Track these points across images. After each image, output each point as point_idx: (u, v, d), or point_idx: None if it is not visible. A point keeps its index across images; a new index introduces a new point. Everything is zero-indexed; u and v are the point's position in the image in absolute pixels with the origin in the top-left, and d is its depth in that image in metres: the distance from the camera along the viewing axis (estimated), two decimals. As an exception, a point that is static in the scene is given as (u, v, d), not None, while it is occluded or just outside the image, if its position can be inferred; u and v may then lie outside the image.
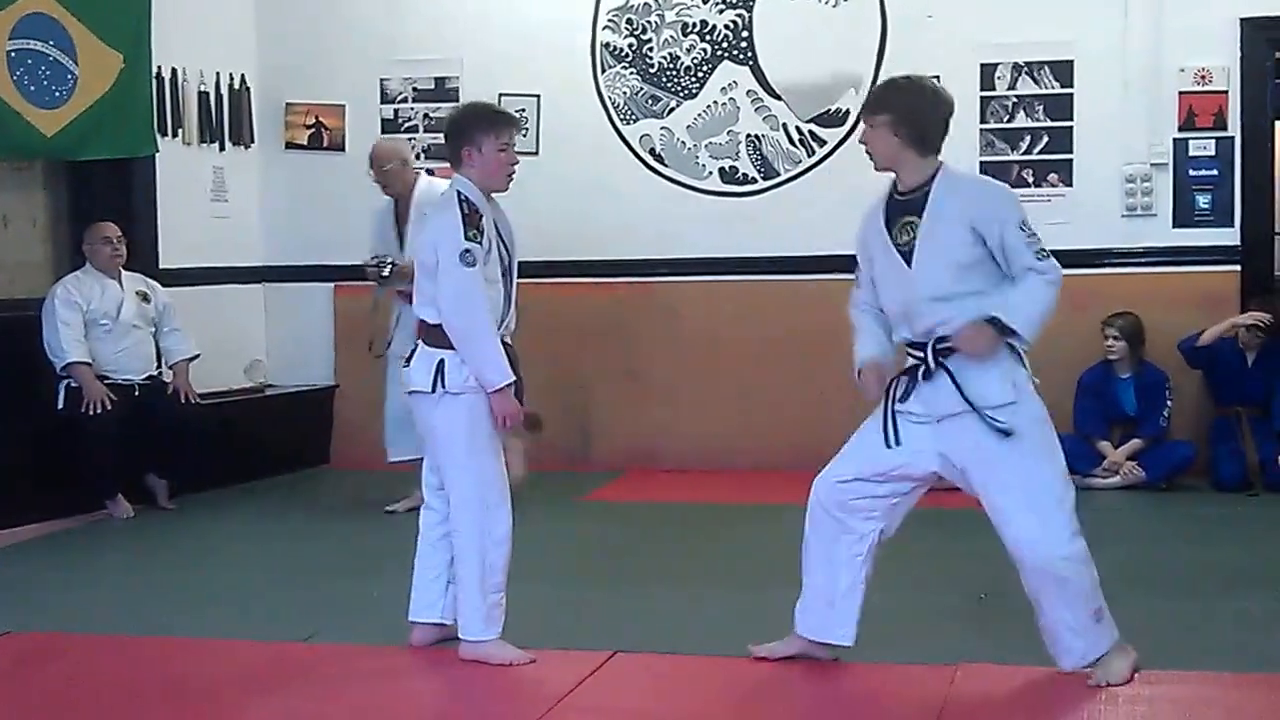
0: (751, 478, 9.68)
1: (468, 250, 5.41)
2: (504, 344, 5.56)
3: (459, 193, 5.54)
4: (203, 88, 10.25)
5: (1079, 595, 5.14)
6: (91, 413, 8.54)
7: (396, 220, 8.75)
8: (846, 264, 9.98)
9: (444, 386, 5.48)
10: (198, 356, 9.21)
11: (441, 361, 5.48)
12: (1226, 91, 9.46)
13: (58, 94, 8.96)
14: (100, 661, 5.83)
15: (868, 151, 5.44)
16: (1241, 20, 9.40)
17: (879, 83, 5.33)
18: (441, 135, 5.86)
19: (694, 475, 9.89)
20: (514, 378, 5.52)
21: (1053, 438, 5.24)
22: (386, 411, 8.70)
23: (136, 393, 8.87)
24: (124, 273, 9.05)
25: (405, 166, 8.75)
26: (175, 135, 9.99)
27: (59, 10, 8.94)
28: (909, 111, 5.26)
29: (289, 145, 10.77)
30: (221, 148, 10.42)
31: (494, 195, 5.66)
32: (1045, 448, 5.18)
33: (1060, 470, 5.20)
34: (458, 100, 10.49)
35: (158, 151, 9.69)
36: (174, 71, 9.94)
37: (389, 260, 8.61)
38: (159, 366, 9.13)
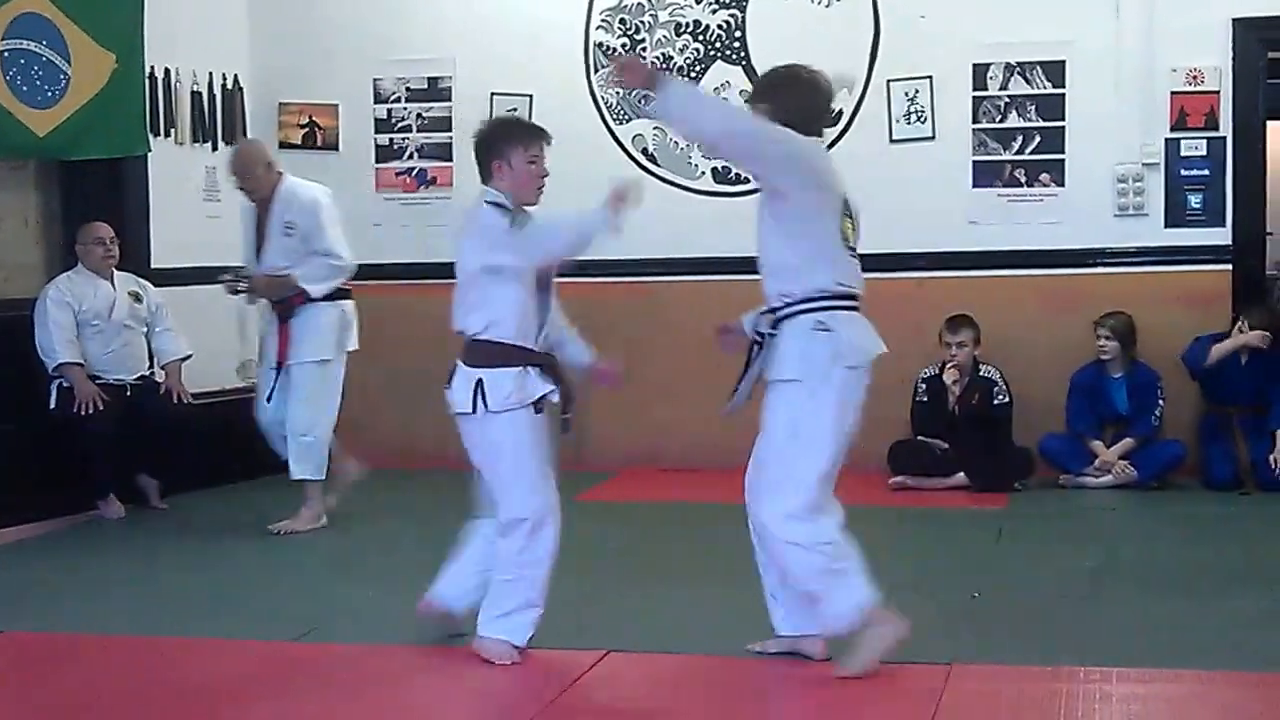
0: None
1: (507, 230, 5.52)
2: (546, 355, 5.62)
3: (489, 201, 5.62)
4: (195, 87, 10.25)
5: (793, 574, 5.41)
6: (84, 413, 8.53)
7: (258, 226, 8.50)
8: (839, 263, 10.02)
9: (485, 406, 5.46)
10: (190, 357, 9.20)
11: (480, 381, 5.47)
12: (1218, 91, 9.49)
13: (50, 94, 8.96)
14: (93, 661, 5.83)
15: None
16: (1233, 20, 9.43)
17: (763, 72, 5.62)
18: (474, 150, 5.83)
19: (690, 475, 9.89)
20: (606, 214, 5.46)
21: (825, 429, 5.48)
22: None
23: (128, 392, 8.86)
24: (116, 273, 9.03)
25: (269, 171, 8.52)
26: (168, 135, 9.98)
27: (52, 10, 8.93)
28: (787, 100, 5.40)
29: (282, 145, 10.74)
30: (214, 147, 10.40)
31: (526, 208, 5.69)
32: (787, 432, 5.50)
33: (812, 459, 5.47)
34: (450, 100, 10.52)
35: (150, 151, 9.69)
36: (167, 71, 9.94)
37: (244, 272, 8.45)
38: (151, 366, 9.13)
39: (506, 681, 5.42)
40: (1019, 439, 9.34)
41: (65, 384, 8.63)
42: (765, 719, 5.04)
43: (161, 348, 9.15)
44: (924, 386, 9.44)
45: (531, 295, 5.54)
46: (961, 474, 9.16)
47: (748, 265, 9.94)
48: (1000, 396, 9.31)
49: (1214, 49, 9.47)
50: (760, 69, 10.01)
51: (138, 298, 9.09)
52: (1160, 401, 9.25)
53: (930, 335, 9.42)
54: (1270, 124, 10.02)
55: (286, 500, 8.67)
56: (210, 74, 10.34)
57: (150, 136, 9.68)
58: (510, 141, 5.66)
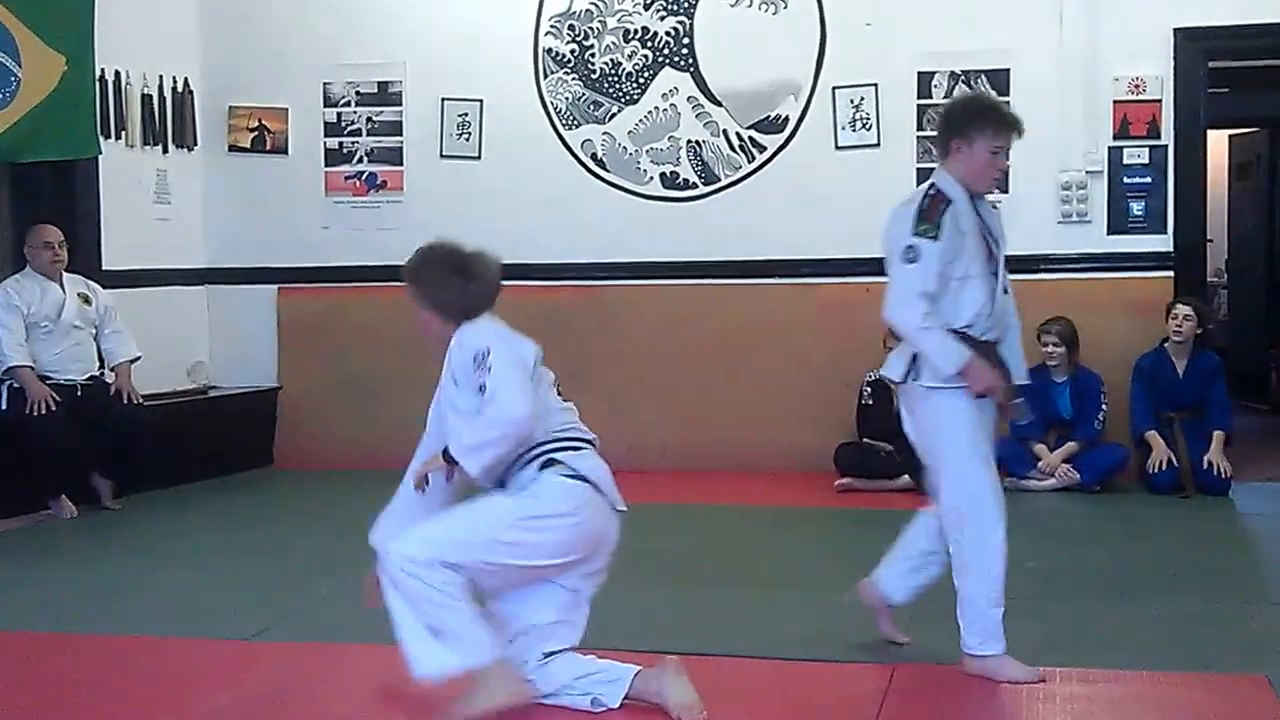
0: (698, 479, 9.72)
1: (911, 246, 5.30)
2: (985, 343, 5.37)
3: (930, 185, 5.47)
4: (146, 90, 10.25)
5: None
6: (36, 414, 8.52)
7: None
8: (787, 268, 10.16)
9: (916, 379, 5.38)
10: (139, 358, 9.20)
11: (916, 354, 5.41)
12: (1160, 100, 9.59)
13: (0, 96, 8.93)
14: (45, 660, 5.82)
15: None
16: (1175, 30, 9.53)
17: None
18: (937, 125, 5.67)
19: (641, 476, 9.83)
20: (966, 358, 5.26)
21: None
22: None
23: (79, 393, 8.86)
24: (65, 275, 9.03)
25: None
26: (119, 137, 9.98)
27: (1, 12, 8.89)
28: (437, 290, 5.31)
29: (232, 148, 10.77)
30: (165, 150, 10.41)
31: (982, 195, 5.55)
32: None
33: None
34: (400, 104, 10.55)
35: (101, 154, 9.67)
36: (117, 74, 9.94)
37: None
38: (101, 367, 9.12)
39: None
40: (963, 442, 9.39)
41: (15, 385, 8.63)
42: (712, 717, 5.05)
43: (111, 349, 9.14)
44: (869, 389, 9.50)
45: (975, 280, 5.36)
46: (907, 476, 9.21)
47: (692, 270, 10.16)
48: (945, 400, 9.37)
49: (1156, 58, 9.56)
50: (708, 75, 10.12)
51: (87, 300, 9.08)
52: (1103, 406, 9.34)
53: (875, 339, 9.47)
54: (1210, 132, 10.15)
55: (234, 501, 8.67)
56: (161, 77, 10.34)
57: (101, 139, 9.66)
58: (978, 124, 5.43)
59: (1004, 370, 5.45)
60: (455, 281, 5.23)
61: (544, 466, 5.04)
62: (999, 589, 5.30)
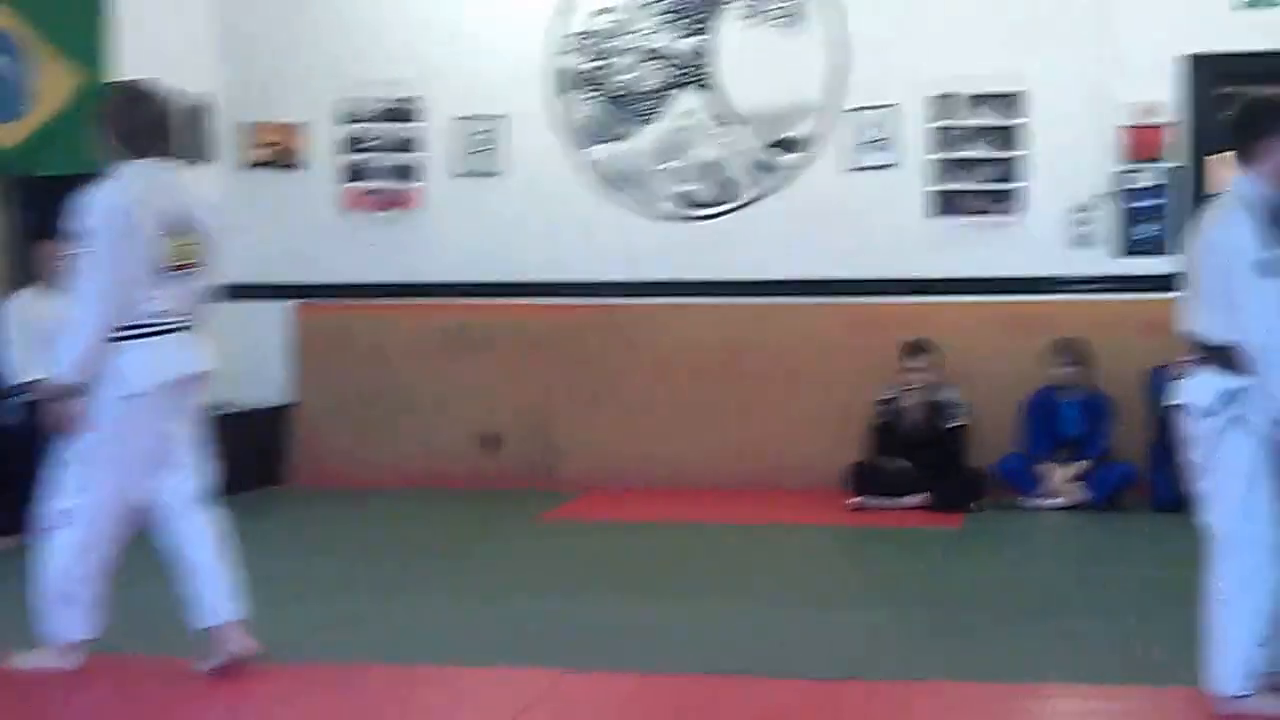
0: (712, 496, 9.76)
1: (1276, 259, 4.77)
2: None
3: (1245, 192, 4.94)
4: (165, 105, 10.24)
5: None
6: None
7: None
8: (803, 288, 10.17)
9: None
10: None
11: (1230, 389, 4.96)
12: (1170, 124, 9.63)
13: (15, 108, 8.94)
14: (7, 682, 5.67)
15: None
16: (1185, 57, 9.57)
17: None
18: (1236, 126, 5.12)
19: (655, 494, 9.92)
20: None
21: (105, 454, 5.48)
22: None
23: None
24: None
25: None
26: (135, 152, 9.94)
27: (18, 24, 8.93)
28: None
29: (249, 164, 10.81)
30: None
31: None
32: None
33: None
34: (419, 121, 10.59)
35: (116, 168, 9.65)
36: (136, 88, 9.92)
37: None
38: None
39: (466, 699, 5.42)
40: (974, 460, 9.44)
41: (29, 399, 8.64)
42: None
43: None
44: (882, 408, 9.53)
45: None
46: (918, 495, 9.24)
47: (710, 289, 10.18)
48: (957, 419, 9.41)
49: (1165, 84, 9.60)
50: (727, 95, 10.14)
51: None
52: (1112, 425, 9.39)
53: (889, 359, 9.52)
54: (1218, 156, 10.16)
55: (240, 520, 8.60)
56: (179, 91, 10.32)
57: (116, 154, 9.63)
58: None
59: None
60: (123, 105, 5.40)
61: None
62: (1263, 627, 5.04)
